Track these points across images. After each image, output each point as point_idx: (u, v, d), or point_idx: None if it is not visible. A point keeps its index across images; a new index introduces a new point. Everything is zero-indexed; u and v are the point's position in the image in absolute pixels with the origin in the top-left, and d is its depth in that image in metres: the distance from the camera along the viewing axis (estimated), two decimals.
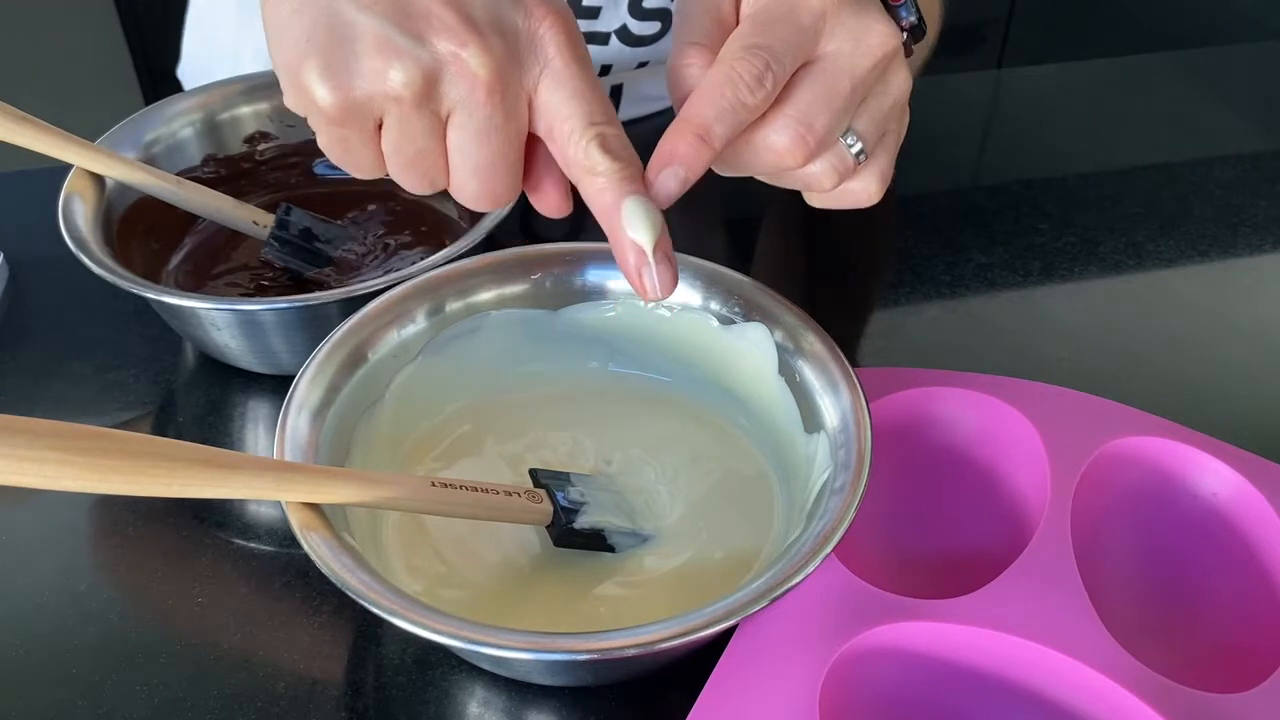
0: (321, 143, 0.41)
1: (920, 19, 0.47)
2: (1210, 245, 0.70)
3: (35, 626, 0.48)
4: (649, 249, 0.39)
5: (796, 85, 0.41)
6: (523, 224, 0.68)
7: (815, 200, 0.46)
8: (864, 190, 0.45)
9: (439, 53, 0.38)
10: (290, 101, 0.40)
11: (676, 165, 0.40)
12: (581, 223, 0.49)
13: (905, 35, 0.47)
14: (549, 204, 0.43)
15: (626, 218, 0.39)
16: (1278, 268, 0.69)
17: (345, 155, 0.41)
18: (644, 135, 0.43)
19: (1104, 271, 0.68)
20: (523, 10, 0.39)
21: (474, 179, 0.40)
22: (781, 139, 0.41)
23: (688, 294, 0.53)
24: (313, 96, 0.38)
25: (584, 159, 0.39)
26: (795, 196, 0.47)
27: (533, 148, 0.41)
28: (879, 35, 0.42)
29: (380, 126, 0.40)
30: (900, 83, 0.44)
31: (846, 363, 0.48)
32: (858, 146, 0.43)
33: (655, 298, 0.40)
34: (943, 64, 0.76)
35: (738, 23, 0.43)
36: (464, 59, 0.38)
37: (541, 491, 0.47)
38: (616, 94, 0.78)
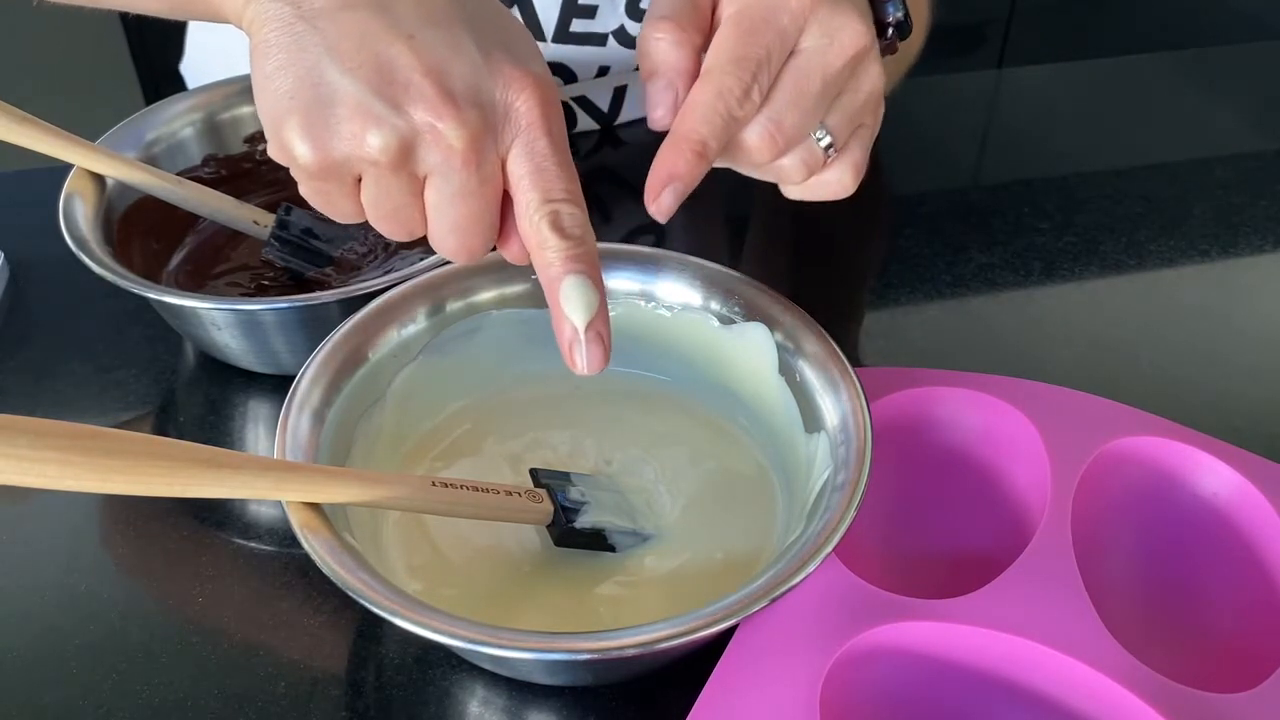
0: (303, 191, 0.42)
1: (907, 15, 0.47)
2: (1210, 245, 0.70)
3: (35, 626, 0.48)
4: (581, 328, 0.41)
5: (770, 84, 0.42)
6: None
7: (790, 192, 0.47)
8: (838, 182, 0.46)
9: (416, 122, 0.39)
10: (272, 152, 0.41)
11: (676, 182, 0.41)
12: None
13: (891, 31, 0.47)
14: (513, 254, 0.44)
15: (564, 295, 0.41)
16: (1278, 268, 0.69)
17: (326, 205, 0.42)
18: (645, 138, 0.43)
19: (1104, 271, 0.68)
20: (501, 81, 0.40)
21: (451, 235, 0.42)
22: (751, 137, 0.43)
23: (688, 294, 0.53)
24: (293, 152, 0.39)
25: (535, 233, 0.41)
26: None
27: (506, 203, 0.42)
28: (852, 33, 0.43)
29: (360, 180, 0.41)
30: (873, 78, 0.45)
31: (846, 363, 0.48)
32: (826, 140, 0.44)
33: (582, 373, 0.42)
34: (943, 64, 0.76)
35: (714, 5, 0.44)
36: (440, 130, 0.39)
37: (542, 491, 0.47)
38: (620, 96, 0.78)
